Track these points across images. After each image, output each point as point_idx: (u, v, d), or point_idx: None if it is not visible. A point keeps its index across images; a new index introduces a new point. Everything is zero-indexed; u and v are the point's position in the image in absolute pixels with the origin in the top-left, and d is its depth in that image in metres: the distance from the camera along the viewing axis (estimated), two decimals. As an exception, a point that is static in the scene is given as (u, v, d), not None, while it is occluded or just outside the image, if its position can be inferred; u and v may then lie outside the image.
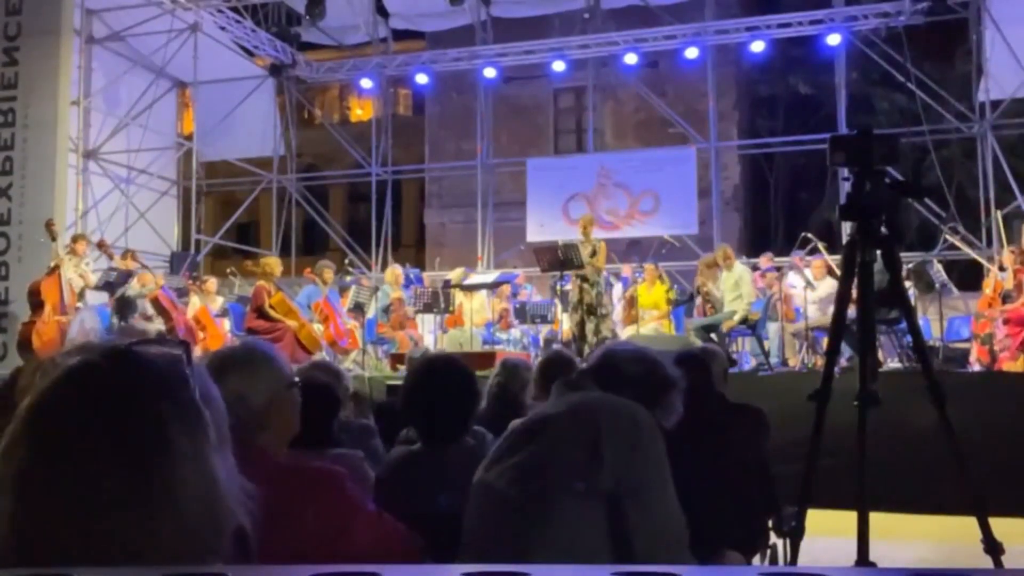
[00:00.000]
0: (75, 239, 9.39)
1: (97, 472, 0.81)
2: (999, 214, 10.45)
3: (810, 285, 8.88)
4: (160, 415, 0.85)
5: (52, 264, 8.94)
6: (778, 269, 10.41)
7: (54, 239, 9.12)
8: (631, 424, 1.82)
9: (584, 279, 8.95)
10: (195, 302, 10.29)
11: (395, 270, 11.15)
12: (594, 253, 9.08)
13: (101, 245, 10.05)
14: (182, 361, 0.91)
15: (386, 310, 10.29)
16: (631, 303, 10.26)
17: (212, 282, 11.17)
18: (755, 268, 11.13)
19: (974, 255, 11.15)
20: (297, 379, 1.86)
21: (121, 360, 0.88)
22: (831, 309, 8.56)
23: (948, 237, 9.20)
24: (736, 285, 9.09)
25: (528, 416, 2.04)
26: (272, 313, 8.83)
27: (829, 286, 8.90)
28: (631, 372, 2.04)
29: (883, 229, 2.69)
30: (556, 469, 1.77)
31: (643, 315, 10.13)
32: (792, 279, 9.48)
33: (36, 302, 8.74)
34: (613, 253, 14.31)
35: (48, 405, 0.85)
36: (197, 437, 0.87)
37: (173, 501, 0.83)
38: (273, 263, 9.48)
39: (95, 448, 0.82)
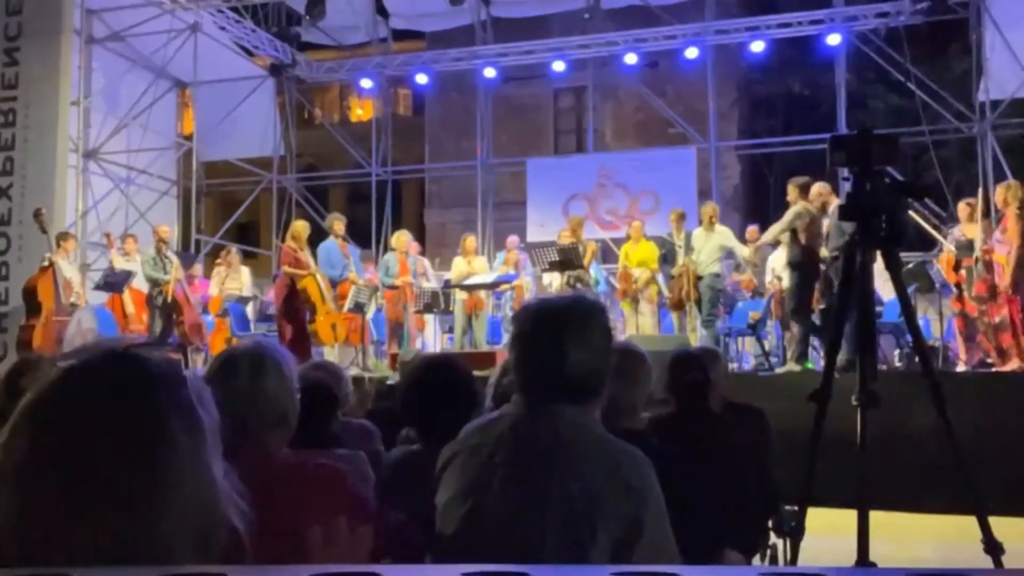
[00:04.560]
0: (63, 237, 9.23)
1: (101, 468, 0.82)
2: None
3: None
4: (162, 413, 0.86)
5: (45, 260, 8.80)
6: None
7: (44, 231, 9.01)
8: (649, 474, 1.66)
9: (579, 280, 8.97)
10: (220, 273, 10.39)
11: (403, 236, 10.41)
12: (585, 253, 9.13)
13: (107, 236, 10.17)
14: (179, 363, 0.92)
15: (392, 287, 10.05)
16: (625, 277, 10.09)
17: (236, 254, 11.10)
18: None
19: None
20: (299, 383, 1.89)
21: (121, 360, 0.89)
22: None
23: (940, 240, 9.21)
24: (721, 247, 9.18)
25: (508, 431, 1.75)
26: (302, 293, 8.76)
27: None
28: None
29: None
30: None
31: (635, 275, 9.94)
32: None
33: (33, 303, 8.66)
34: (610, 254, 14.36)
35: (50, 402, 0.86)
36: (196, 436, 0.88)
37: (172, 498, 0.84)
38: (299, 227, 9.45)
39: (98, 444, 0.83)
